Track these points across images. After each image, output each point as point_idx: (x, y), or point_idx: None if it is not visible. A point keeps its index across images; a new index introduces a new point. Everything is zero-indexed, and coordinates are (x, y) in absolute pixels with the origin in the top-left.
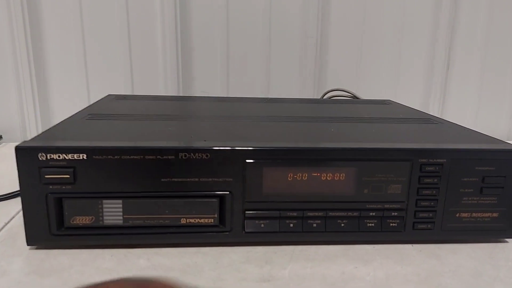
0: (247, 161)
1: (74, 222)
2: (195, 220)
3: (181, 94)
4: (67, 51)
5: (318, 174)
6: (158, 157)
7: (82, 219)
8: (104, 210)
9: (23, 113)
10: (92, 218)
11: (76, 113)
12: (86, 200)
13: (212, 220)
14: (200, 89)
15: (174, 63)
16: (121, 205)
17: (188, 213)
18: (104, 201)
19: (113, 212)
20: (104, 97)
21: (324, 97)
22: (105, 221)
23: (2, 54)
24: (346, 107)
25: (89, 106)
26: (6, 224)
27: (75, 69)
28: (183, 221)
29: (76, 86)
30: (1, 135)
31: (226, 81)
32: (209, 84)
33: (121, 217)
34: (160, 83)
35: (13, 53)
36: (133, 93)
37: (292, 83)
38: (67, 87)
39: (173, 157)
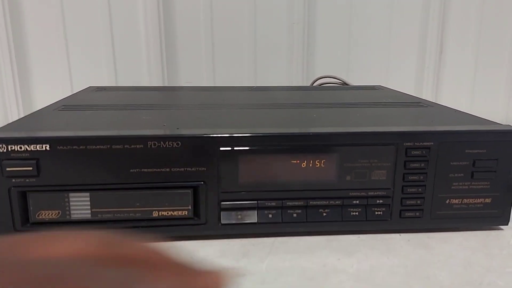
0: (222, 149)
1: (40, 217)
2: (168, 213)
3: (166, 85)
4: (49, 44)
5: (298, 161)
6: (125, 146)
7: (48, 214)
8: (71, 203)
9: (6, 107)
10: (59, 213)
11: (50, 105)
12: (52, 194)
13: (186, 212)
14: (185, 80)
15: (158, 53)
16: (88, 198)
17: (160, 206)
18: (71, 194)
19: (80, 205)
20: (84, 89)
21: (314, 85)
22: (72, 215)
23: None
24: (334, 94)
25: (65, 97)
26: None
27: (58, 63)
28: (155, 214)
29: (59, 80)
30: None
31: (212, 71)
32: (194, 74)
33: (89, 211)
34: (144, 74)
35: None
36: (117, 85)
37: (280, 71)
38: (50, 81)
39: (141, 146)
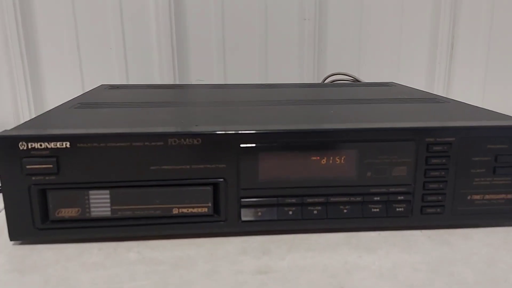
0: (242, 145)
1: (60, 215)
2: (187, 210)
3: (177, 83)
4: (60, 42)
5: (318, 158)
6: (146, 143)
7: (68, 212)
8: (91, 201)
9: (17, 107)
10: (79, 210)
11: (64, 103)
12: (72, 191)
13: (206, 209)
14: (196, 77)
15: (169, 51)
16: (108, 196)
17: (180, 203)
18: (91, 191)
19: (100, 203)
20: (97, 87)
21: (325, 82)
22: (92, 213)
23: None
24: (347, 90)
25: (79, 95)
26: None
27: (68, 60)
28: (175, 211)
29: (71, 78)
30: None
31: (222, 69)
32: (205, 72)
33: (109, 208)
34: (155, 72)
35: (5, 46)
36: (128, 83)
37: (291, 69)
38: (61, 79)
39: (162, 143)
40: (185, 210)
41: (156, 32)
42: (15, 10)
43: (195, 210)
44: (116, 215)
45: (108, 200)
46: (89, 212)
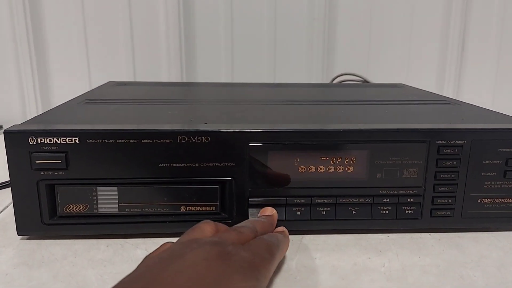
0: (251, 144)
1: (67, 211)
2: (195, 208)
3: (184, 81)
4: (68, 39)
5: (327, 158)
6: (155, 141)
7: (76, 207)
8: (99, 197)
9: (24, 102)
10: (86, 206)
11: (73, 99)
12: (80, 187)
13: (214, 208)
14: (204, 75)
15: (177, 49)
16: (116, 192)
17: (188, 201)
18: (99, 188)
19: (108, 199)
20: (104, 84)
21: (334, 82)
22: (99, 209)
23: (2, 43)
24: (357, 91)
25: (87, 92)
26: None
27: (76, 57)
28: (182, 209)
29: (78, 75)
30: (1, 125)
31: (230, 67)
32: (213, 70)
33: (117, 205)
34: (163, 70)
35: (13, 41)
36: (136, 80)
37: (299, 68)
38: (69, 75)
39: (171, 140)
40: (192, 209)
41: (165, 30)
42: (24, 5)
43: (202, 208)
44: (124, 212)
45: (116, 197)
46: (97, 208)
